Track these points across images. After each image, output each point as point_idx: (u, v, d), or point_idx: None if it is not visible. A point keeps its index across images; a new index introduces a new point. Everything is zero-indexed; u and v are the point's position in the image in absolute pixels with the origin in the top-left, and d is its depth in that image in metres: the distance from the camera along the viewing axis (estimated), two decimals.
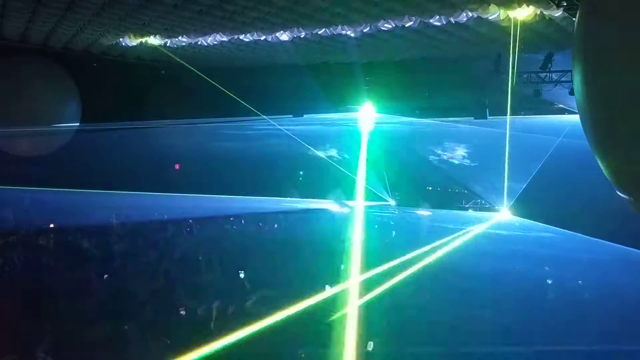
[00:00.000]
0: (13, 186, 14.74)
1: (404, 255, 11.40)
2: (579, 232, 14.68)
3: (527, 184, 17.40)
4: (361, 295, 8.93)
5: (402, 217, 19.52)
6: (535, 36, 11.94)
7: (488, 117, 16.23)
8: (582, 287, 10.06)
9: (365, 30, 11.68)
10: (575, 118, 3.22)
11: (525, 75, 14.81)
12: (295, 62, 15.52)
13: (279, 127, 19.22)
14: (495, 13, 9.92)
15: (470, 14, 10.15)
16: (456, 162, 20.29)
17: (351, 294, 8.98)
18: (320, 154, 20.87)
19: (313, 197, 19.62)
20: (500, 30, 11.59)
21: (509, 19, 10.37)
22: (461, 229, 15.81)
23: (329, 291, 9.00)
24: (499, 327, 7.66)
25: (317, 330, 7.33)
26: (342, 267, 10.39)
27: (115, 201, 16.28)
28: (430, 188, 21.39)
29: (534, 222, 17.61)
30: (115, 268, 9.98)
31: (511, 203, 18.64)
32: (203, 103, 17.97)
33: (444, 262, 11.42)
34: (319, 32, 12.10)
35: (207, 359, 6.32)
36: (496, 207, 19.37)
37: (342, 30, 11.80)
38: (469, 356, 7.07)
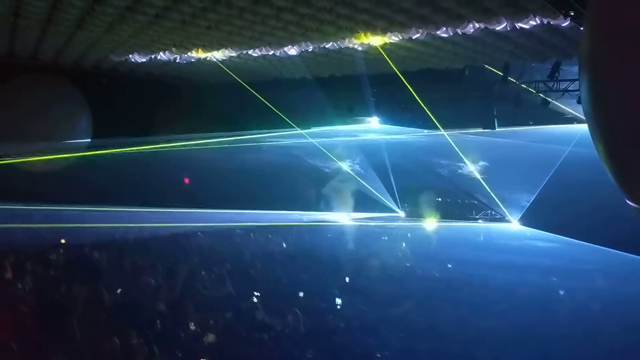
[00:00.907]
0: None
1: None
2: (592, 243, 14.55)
3: (537, 195, 17.33)
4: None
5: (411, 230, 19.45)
6: (542, 45, 11.95)
7: (497, 128, 16.19)
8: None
9: (372, 43, 11.74)
10: (584, 127, 3.21)
11: (533, 85, 14.81)
12: (303, 75, 15.61)
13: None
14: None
15: (477, 24, 10.20)
16: (465, 172, 20.22)
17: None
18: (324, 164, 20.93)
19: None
20: (506, 41, 11.64)
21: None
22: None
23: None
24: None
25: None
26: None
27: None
28: (439, 199, 21.33)
29: (546, 233, 17.50)
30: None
31: (522, 214, 18.56)
32: (210, 118, 18.12)
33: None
34: (327, 46, 12.17)
35: None
36: (506, 218, 19.28)
37: (350, 43, 11.85)
38: None
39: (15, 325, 6.60)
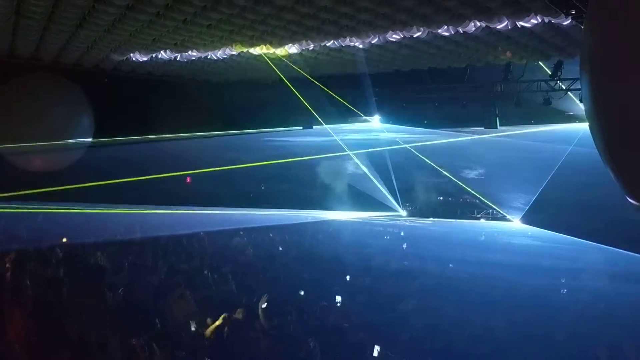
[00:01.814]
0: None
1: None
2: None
3: (538, 194, 17.28)
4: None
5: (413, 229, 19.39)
6: (544, 44, 11.94)
7: (498, 127, 16.20)
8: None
9: (373, 42, 11.75)
10: (585, 126, 3.20)
11: (535, 84, 14.81)
12: (304, 74, 15.63)
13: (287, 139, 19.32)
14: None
15: (478, 23, 10.20)
16: (467, 172, 20.19)
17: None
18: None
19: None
20: (508, 40, 11.63)
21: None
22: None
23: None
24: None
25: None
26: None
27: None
28: (441, 198, 21.31)
29: (550, 232, 17.44)
30: None
31: (523, 213, 18.53)
32: (213, 117, 18.15)
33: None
34: (327, 44, 12.17)
35: None
36: (508, 217, 19.25)
37: (351, 42, 11.86)
38: None
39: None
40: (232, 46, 12.67)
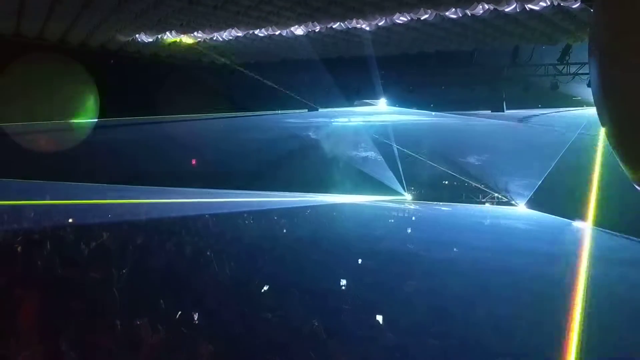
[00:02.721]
0: None
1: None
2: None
3: (544, 179, 17.26)
4: None
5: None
6: (552, 28, 11.81)
7: (505, 111, 16.09)
8: None
9: (380, 24, 11.63)
10: (593, 111, 3.19)
11: (542, 68, 14.68)
12: (310, 56, 15.51)
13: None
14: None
15: (487, 6, 10.07)
16: (472, 156, 20.17)
17: None
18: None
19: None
20: (516, 23, 11.50)
21: None
22: None
23: None
24: None
25: None
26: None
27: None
28: (446, 182, 21.33)
29: (553, 216, 17.47)
30: None
31: (528, 197, 18.52)
32: (218, 98, 18.11)
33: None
34: (334, 26, 12.06)
35: None
36: (513, 202, 19.26)
37: (357, 24, 11.75)
38: None
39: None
40: (237, 27, 12.59)
